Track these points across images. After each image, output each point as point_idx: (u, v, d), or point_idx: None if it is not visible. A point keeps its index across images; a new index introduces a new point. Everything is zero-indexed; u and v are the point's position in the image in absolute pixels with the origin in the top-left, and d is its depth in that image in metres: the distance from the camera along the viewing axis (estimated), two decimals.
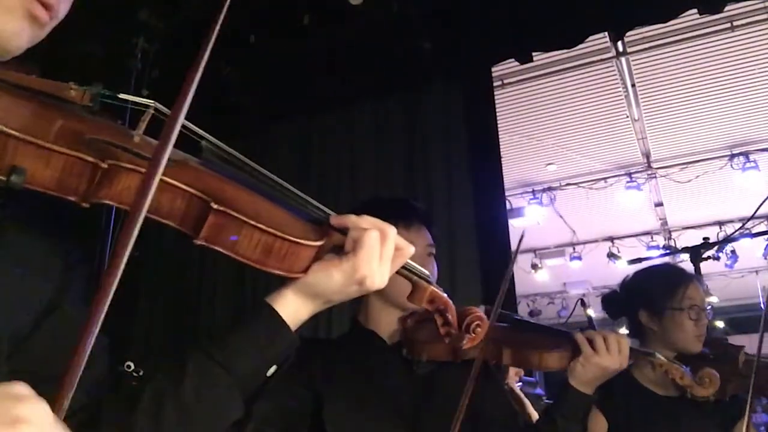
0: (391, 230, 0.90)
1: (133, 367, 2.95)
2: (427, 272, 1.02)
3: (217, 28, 0.70)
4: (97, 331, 0.54)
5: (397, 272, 0.95)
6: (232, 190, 0.80)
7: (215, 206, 0.74)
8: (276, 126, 4.32)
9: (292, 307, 0.87)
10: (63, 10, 0.75)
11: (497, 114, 3.85)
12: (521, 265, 8.60)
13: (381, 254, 0.88)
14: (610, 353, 1.53)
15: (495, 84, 4.16)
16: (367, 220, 0.89)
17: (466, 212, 3.53)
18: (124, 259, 0.57)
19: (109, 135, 0.72)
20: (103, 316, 0.55)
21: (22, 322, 0.71)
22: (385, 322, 1.62)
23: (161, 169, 0.61)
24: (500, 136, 3.75)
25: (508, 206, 5.90)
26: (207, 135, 0.83)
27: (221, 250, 0.77)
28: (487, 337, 1.42)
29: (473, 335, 1.04)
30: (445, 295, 1.03)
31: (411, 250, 0.95)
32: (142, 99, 0.78)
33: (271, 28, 4.00)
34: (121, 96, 0.78)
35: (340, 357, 1.59)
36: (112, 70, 3.89)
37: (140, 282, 4.38)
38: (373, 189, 3.81)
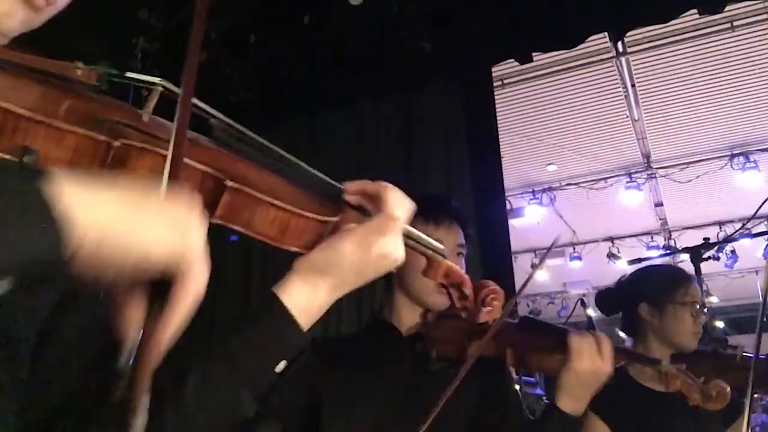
0: (408, 201, 0.86)
1: None
2: (441, 246, 0.99)
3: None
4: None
5: (410, 246, 0.91)
6: (245, 168, 0.79)
7: (230, 184, 0.73)
8: (276, 126, 4.31)
9: (302, 295, 0.79)
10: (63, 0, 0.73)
11: (497, 114, 3.85)
12: (521, 265, 8.59)
13: (401, 221, 0.82)
14: (603, 357, 1.44)
15: (495, 84, 4.16)
16: (384, 184, 0.84)
17: (466, 212, 3.52)
18: None
19: (118, 114, 0.71)
20: None
21: (41, 318, 0.68)
22: (408, 319, 1.61)
23: (184, 148, 0.62)
24: (500, 136, 3.76)
25: (508, 206, 5.90)
26: (217, 113, 0.82)
27: (237, 227, 0.76)
28: (492, 336, 1.42)
29: (489, 308, 1.04)
30: (461, 269, 1.01)
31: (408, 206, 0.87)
32: (149, 77, 0.77)
33: (272, 28, 4.01)
34: (129, 75, 0.77)
35: (350, 350, 1.59)
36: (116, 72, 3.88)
37: None
38: None
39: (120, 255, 0.50)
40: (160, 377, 0.77)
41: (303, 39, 3.99)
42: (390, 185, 0.84)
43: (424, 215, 1.59)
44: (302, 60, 4.07)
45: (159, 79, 0.76)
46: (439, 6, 3.77)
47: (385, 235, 0.80)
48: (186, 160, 0.69)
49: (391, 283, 1.65)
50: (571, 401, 1.45)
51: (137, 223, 0.51)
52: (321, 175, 0.88)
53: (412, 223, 1.58)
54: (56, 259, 0.45)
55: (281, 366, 0.78)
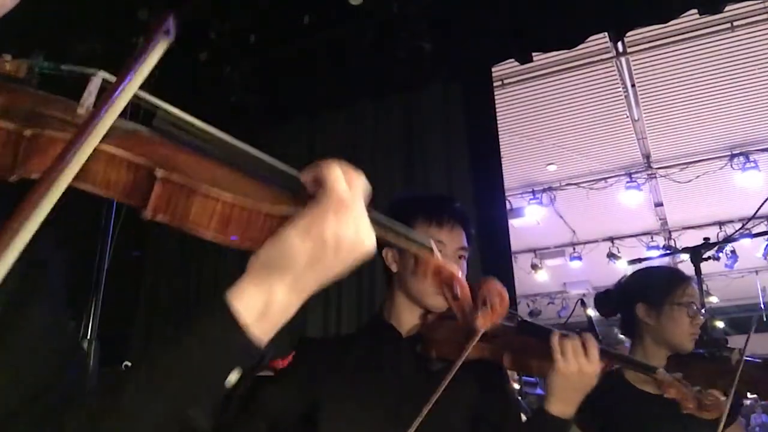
0: (357, 176, 0.74)
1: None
2: (430, 241, 0.89)
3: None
4: None
5: (397, 242, 0.83)
6: (185, 157, 0.71)
7: (160, 173, 0.66)
8: (276, 126, 4.32)
9: (256, 298, 0.69)
10: None
11: (497, 114, 3.85)
12: (521, 265, 8.60)
13: (352, 194, 0.71)
14: (588, 358, 1.41)
15: (495, 84, 4.16)
16: (330, 161, 0.72)
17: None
18: (25, 233, 0.51)
19: (44, 106, 0.66)
20: None
21: None
22: (407, 320, 1.60)
23: (93, 132, 0.57)
24: (500, 136, 3.76)
25: (508, 206, 5.90)
26: (165, 105, 0.73)
27: (174, 224, 0.68)
28: (489, 339, 1.41)
29: (488, 311, 0.93)
30: (454, 266, 0.92)
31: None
32: (85, 68, 0.70)
33: (272, 28, 4.01)
34: (64, 67, 0.71)
35: (350, 350, 1.58)
36: (112, 70, 3.88)
37: (140, 282, 4.39)
38: (373, 189, 3.81)
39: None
40: (103, 385, 0.70)
41: (303, 39, 3.99)
42: (335, 161, 0.72)
43: (425, 215, 1.59)
44: (302, 60, 4.07)
45: (99, 70, 0.70)
46: (439, 6, 3.77)
47: (337, 217, 0.69)
48: (112, 149, 0.65)
49: (391, 283, 1.65)
50: (560, 404, 1.43)
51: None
52: (279, 164, 0.77)
53: (415, 222, 1.58)
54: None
55: (234, 376, 0.72)
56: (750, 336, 1.58)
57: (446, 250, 1.57)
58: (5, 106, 0.63)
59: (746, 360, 1.63)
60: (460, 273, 0.92)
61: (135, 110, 0.70)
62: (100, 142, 0.62)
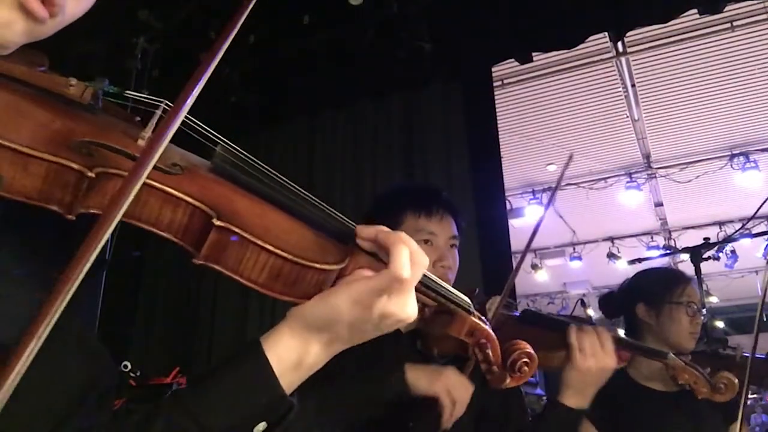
0: (422, 257, 0.72)
1: (129, 367, 2.95)
2: (467, 300, 0.86)
3: (240, 22, 0.67)
4: (40, 336, 0.49)
5: (431, 298, 0.81)
6: (243, 203, 0.70)
7: (218, 222, 0.65)
8: (276, 126, 4.32)
9: (291, 350, 0.70)
10: (72, 8, 0.67)
11: (497, 114, 3.85)
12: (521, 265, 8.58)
13: (412, 278, 0.70)
14: (605, 352, 1.44)
15: (495, 84, 4.16)
16: (397, 235, 0.71)
17: (466, 212, 3.53)
18: (84, 269, 0.52)
19: (105, 137, 0.65)
20: (49, 325, 0.49)
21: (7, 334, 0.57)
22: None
23: (147, 171, 0.56)
24: (500, 136, 3.76)
25: (508, 206, 5.90)
26: (222, 138, 0.74)
27: (223, 270, 0.68)
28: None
29: (519, 374, 0.88)
30: (488, 326, 0.87)
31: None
32: (150, 97, 0.70)
33: (272, 28, 4.01)
34: (128, 94, 0.72)
35: (349, 348, 1.58)
36: (112, 70, 3.89)
37: (140, 282, 4.38)
38: (373, 189, 3.82)
39: None
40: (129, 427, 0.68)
41: (303, 39, 3.99)
42: (405, 238, 0.71)
43: (414, 208, 1.59)
44: (302, 60, 4.07)
45: (162, 100, 0.70)
46: (439, 6, 3.77)
47: (390, 295, 0.69)
48: (173, 190, 0.64)
49: None
50: (577, 397, 1.46)
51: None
52: (331, 211, 0.77)
53: (405, 215, 1.57)
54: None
55: (260, 428, 0.69)
56: (757, 333, 1.57)
57: (438, 240, 1.57)
58: (65, 133, 0.62)
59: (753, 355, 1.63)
60: (489, 328, 0.88)
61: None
62: (158, 180, 0.61)
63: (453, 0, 3.79)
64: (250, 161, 0.74)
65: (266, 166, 0.75)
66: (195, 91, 0.61)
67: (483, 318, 0.87)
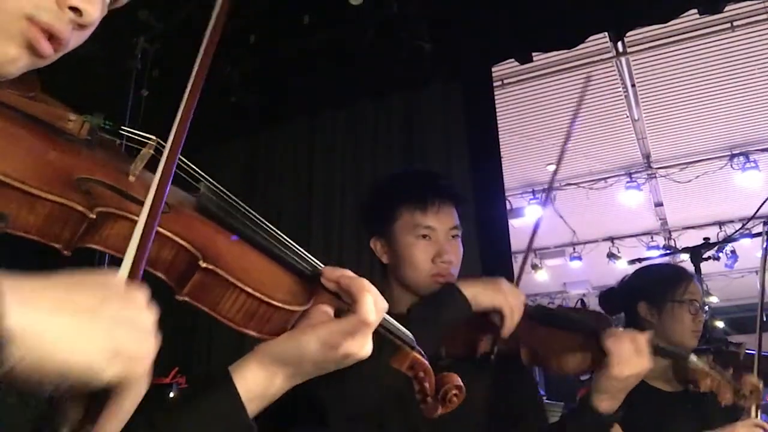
0: (382, 303, 0.82)
1: None
2: (410, 335, 0.94)
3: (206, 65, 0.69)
4: None
5: (379, 332, 0.87)
6: (225, 243, 0.76)
7: (203, 264, 0.70)
8: (276, 126, 4.32)
9: (258, 381, 0.78)
10: (74, 43, 0.69)
11: (497, 114, 3.85)
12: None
13: (369, 327, 0.79)
14: (641, 356, 1.38)
15: (495, 84, 4.16)
16: (361, 283, 0.81)
17: (466, 212, 3.52)
18: None
19: (103, 174, 0.67)
20: None
21: None
22: (404, 310, 1.50)
23: (156, 224, 0.60)
24: (500, 136, 3.75)
25: (508, 206, 5.90)
26: (205, 176, 0.78)
27: (202, 307, 0.73)
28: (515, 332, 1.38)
29: (448, 405, 0.96)
30: (426, 361, 0.95)
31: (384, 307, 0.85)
32: (143, 134, 0.74)
33: (272, 28, 4.00)
34: (122, 130, 0.75)
35: None
36: (112, 70, 3.89)
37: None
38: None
39: (61, 372, 0.48)
40: None
41: (303, 39, 3.98)
42: (367, 285, 0.81)
43: (409, 204, 1.54)
44: (302, 60, 4.07)
45: (153, 138, 0.73)
46: (439, 6, 3.77)
47: (354, 338, 0.78)
48: (162, 229, 0.67)
49: (386, 273, 1.61)
50: (610, 402, 1.43)
51: (82, 345, 0.49)
52: (300, 250, 0.84)
53: (400, 210, 1.54)
54: None
55: None
56: (760, 333, 1.57)
57: (436, 234, 1.53)
58: (68, 170, 0.64)
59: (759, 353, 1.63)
60: (427, 363, 0.94)
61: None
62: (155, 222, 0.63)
63: (453, 0, 3.79)
64: (230, 200, 0.79)
65: (242, 203, 0.80)
66: (185, 130, 0.64)
67: (423, 353, 0.95)
